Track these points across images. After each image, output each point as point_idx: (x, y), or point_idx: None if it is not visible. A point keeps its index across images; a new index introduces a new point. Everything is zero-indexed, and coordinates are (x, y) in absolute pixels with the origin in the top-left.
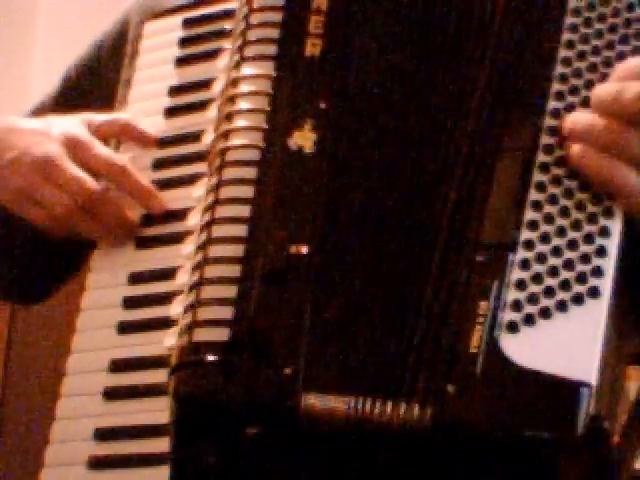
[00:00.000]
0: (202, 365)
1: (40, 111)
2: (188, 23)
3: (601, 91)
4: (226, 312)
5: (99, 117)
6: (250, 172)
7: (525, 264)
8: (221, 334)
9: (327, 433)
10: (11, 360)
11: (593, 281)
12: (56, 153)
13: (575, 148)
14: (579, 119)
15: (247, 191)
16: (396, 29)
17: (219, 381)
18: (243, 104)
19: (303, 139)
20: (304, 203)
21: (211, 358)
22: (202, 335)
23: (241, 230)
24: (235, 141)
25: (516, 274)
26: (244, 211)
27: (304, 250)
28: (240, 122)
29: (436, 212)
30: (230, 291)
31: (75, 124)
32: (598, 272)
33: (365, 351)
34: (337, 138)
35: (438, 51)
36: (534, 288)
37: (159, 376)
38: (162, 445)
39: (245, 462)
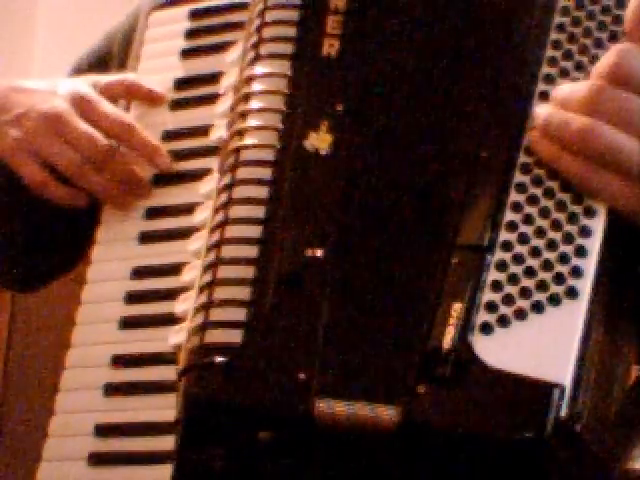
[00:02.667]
0: (214, 367)
1: None
2: (195, 14)
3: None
4: (239, 314)
5: (105, 78)
6: (265, 172)
7: (502, 265)
8: (234, 336)
9: (341, 438)
10: (11, 360)
11: (571, 281)
12: (63, 109)
13: (548, 150)
14: (553, 115)
15: (261, 191)
16: (414, 31)
17: (231, 384)
18: (258, 103)
19: (319, 141)
20: (319, 205)
21: (224, 360)
22: (214, 337)
23: (255, 231)
24: (250, 140)
25: (492, 275)
26: (258, 212)
27: (319, 253)
28: (255, 121)
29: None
30: (244, 293)
31: (82, 84)
32: (577, 272)
33: (380, 355)
34: (353, 140)
35: (458, 52)
36: (510, 289)
37: (160, 373)
38: (163, 443)
39: (253, 467)
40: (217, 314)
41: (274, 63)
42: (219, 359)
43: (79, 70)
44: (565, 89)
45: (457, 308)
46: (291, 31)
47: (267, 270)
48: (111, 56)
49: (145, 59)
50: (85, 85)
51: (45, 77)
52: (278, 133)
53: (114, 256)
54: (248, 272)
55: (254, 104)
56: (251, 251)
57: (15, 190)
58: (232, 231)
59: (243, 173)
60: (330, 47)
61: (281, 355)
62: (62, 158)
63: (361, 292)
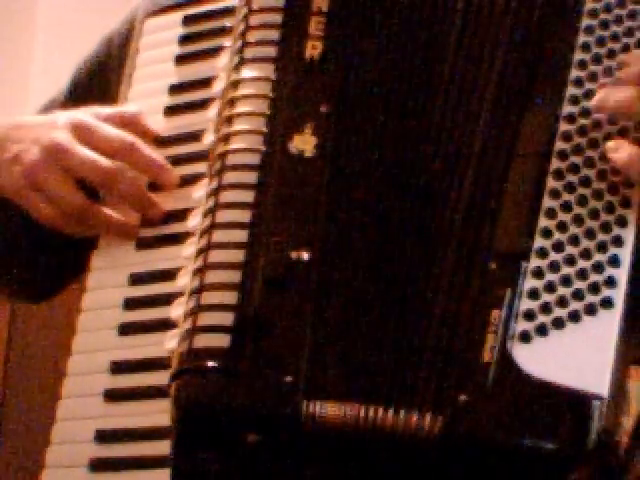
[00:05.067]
0: (203, 371)
1: (50, 108)
2: (188, 20)
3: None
4: (227, 318)
5: (105, 110)
6: (250, 176)
7: (538, 273)
8: (222, 340)
9: (328, 440)
10: (11, 360)
11: (606, 291)
12: (63, 139)
13: (623, 151)
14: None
15: (247, 196)
16: (397, 30)
17: (220, 387)
18: (243, 107)
19: (303, 143)
20: (305, 208)
21: (212, 364)
22: (203, 341)
23: (241, 235)
24: (235, 145)
25: (529, 283)
26: (244, 216)
27: (305, 256)
28: (240, 125)
29: (444, 217)
30: (231, 297)
31: (81, 113)
32: (611, 282)
33: (367, 358)
34: (338, 142)
35: (440, 52)
36: (547, 297)
37: (160, 378)
38: (163, 448)
39: (246, 469)
40: (205, 319)
41: (258, 67)
42: (207, 363)
43: (78, 78)
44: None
45: (496, 316)
46: (274, 34)
47: (253, 274)
48: (110, 60)
49: (141, 67)
50: (85, 114)
51: (45, 77)
52: (263, 137)
53: (112, 263)
54: (235, 276)
55: (239, 109)
56: (237, 255)
57: (18, 215)
58: (219, 236)
59: (229, 178)
60: (313, 49)
61: (268, 358)
62: (65, 196)
63: (348, 293)
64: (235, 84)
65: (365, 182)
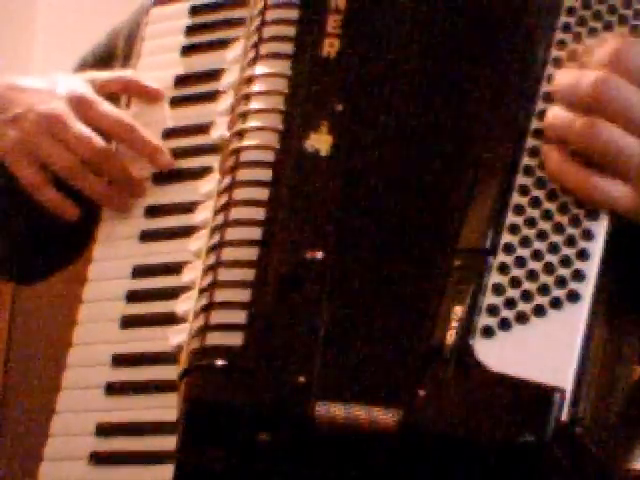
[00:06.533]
0: (214, 369)
1: None
2: (195, 10)
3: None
4: (240, 316)
5: (103, 74)
6: (265, 174)
7: (503, 268)
8: (234, 338)
9: (340, 442)
10: (11, 360)
11: (573, 285)
12: (62, 110)
13: (551, 162)
14: (557, 116)
15: (262, 193)
16: (415, 30)
17: (231, 386)
18: (258, 104)
19: (319, 142)
20: (319, 207)
21: (224, 362)
22: (215, 339)
23: (255, 233)
24: (250, 141)
25: (493, 278)
26: (258, 213)
27: (319, 255)
28: (255, 122)
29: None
30: (244, 295)
31: (80, 83)
32: (579, 276)
33: (381, 358)
34: (354, 141)
35: (457, 52)
36: (511, 292)
37: (161, 372)
38: (164, 443)
39: (254, 469)
40: (218, 316)
41: (274, 63)
42: (220, 361)
43: (84, 65)
44: (566, 83)
45: (458, 311)
46: (291, 30)
47: (267, 272)
48: (116, 51)
49: (145, 55)
50: (83, 84)
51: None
52: (278, 134)
53: (115, 255)
54: (248, 274)
55: (254, 105)
56: (251, 253)
57: (15, 188)
58: (232, 233)
59: (243, 175)
60: (330, 47)
61: (281, 357)
62: (58, 160)
63: (361, 294)
64: (250, 80)
65: (380, 182)
